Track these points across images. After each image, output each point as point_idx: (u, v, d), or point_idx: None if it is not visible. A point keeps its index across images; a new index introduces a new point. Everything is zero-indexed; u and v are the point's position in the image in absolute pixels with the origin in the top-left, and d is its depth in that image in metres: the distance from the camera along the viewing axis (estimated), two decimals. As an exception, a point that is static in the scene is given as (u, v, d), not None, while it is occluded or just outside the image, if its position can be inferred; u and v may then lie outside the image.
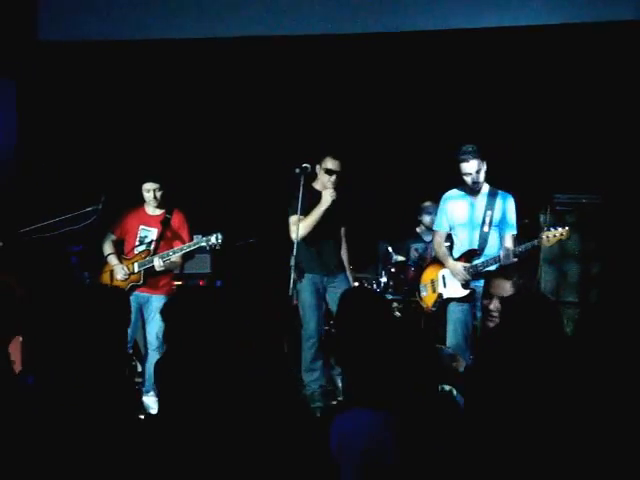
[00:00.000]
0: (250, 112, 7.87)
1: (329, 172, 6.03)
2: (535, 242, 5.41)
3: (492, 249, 5.53)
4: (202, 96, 7.90)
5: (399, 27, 7.45)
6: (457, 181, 5.72)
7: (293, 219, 6.01)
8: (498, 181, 5.72)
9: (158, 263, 6.02)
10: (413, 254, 7.19)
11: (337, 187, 6.02)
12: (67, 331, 2.17)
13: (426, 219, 7.38)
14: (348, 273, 6.23)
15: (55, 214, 6.19)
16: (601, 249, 6.64)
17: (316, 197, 6.04)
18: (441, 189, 7.08)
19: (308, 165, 6.00)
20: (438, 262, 5.84)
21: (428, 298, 5.87)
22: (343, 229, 6.25)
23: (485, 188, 5.63)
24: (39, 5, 7.96)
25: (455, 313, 5.58)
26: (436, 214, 6.63)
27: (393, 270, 6.90)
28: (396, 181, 7.58)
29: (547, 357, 2.14)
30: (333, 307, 5.88)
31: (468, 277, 5.53)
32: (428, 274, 5.92)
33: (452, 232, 5.79)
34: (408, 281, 6.78)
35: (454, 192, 5.74)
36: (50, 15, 7.92)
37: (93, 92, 7.88)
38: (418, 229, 7.47)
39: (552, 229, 5.38)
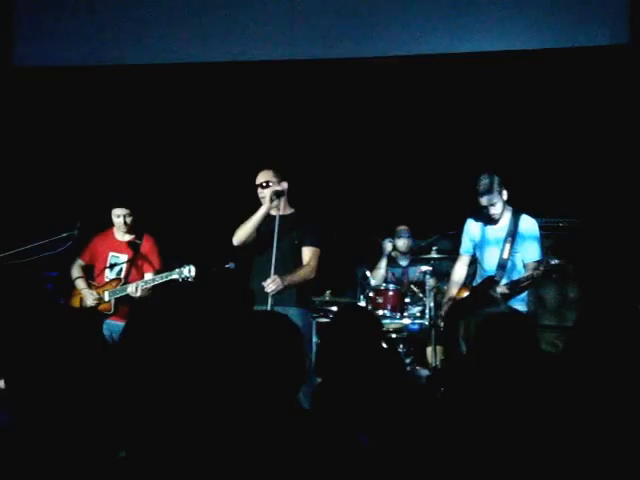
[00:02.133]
0: (226, 133, 7.87)
1: (257, 187, 5.69)
2: (531, 275, 5.38)
3: (511, 277, 5.47)
4: (174, 120, 7.88)
5: (384, 51, 7.50)
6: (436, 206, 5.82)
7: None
8: (474, 205, 5.66)
9: (132, 290, 5.86)
10: (390, 278, 7.20)
11: (276, 197, 5.61)
12: (43, 360, 2.11)
13: (399, 243, 7.40)
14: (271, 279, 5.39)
15: (30, 240, 6.12)
16: (578, 272, 6.66)
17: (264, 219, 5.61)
18: (416, 213, 7.13)
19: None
20: (465, 286, 5.76)
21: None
22: (307, 249, 5.60)
23: (508, 213, 5.57)
24: (15, 31, 7.94)
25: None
26: (411, 239, 6.71)
27: (371, 294, 6.89)
28: (370, 205, 7.58)
29: (522, 376, 2.12)
30: None
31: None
32: (450, 299, 5.83)
33: (476, 255, 5.74)
34: (389, 305, 6.77)
35: (477, 216, 5.68)
36: (25, 41, 7.90)
37: (67, 117, 7.86)
38: (393, 254, 7.46)
39: (549, 262, 5.35)
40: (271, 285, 5.34)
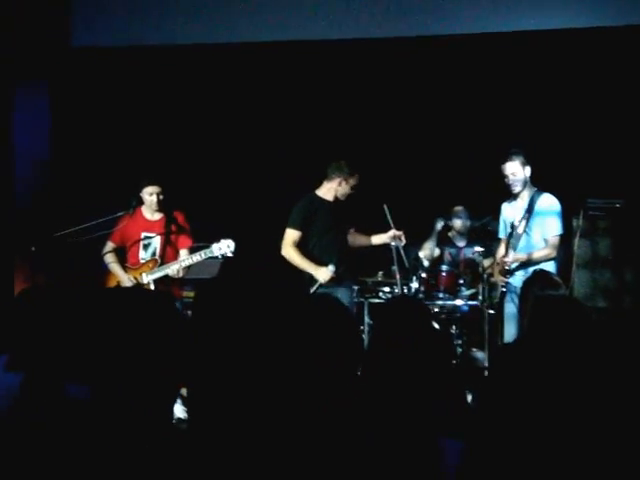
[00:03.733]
0: (259, 117, 7.91)
1: (355, 188, 6.12)
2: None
3: (524, 251, 5.77)
4: (228, 100, 7.91)
5: (419, 31, 7.45)
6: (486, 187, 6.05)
7: (291, 235, 6.01)
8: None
9: (174, 272, 5.86)
10: (447, 258, 7.16)
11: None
12: (116, 338, 2.12)
13: (457, 223, 7.35)
14: (379, 238, 6.23)
15: (88, 218, 6.19)
16: (635, 255, 6.55)
17: (319, 205, 6.11)
18: (471, 194, 7.09)
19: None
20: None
21: (490, 298, 6.27)
22: (352, 229, 6.29)
23: (530, 192, 5.83)
24: (72, 12, 8.03)
25: (507, 314, 5.79)
26: (467, 218, 6.77)
27: (424, 276, 6.86)
28: (427, 186, 7.55)
29: (573, 364, 2.10)
30: None
31: (502, 278, 5.81)
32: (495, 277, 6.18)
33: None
34: (441, 286, 6.75)
35: (507, 200, 6.03)
36: (83, 21, 7.99)
37: (123, 96, 7.94)
38: (450, 234, 7.43)
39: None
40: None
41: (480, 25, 7.32)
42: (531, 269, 5.50)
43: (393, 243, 6.16)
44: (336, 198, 6.14)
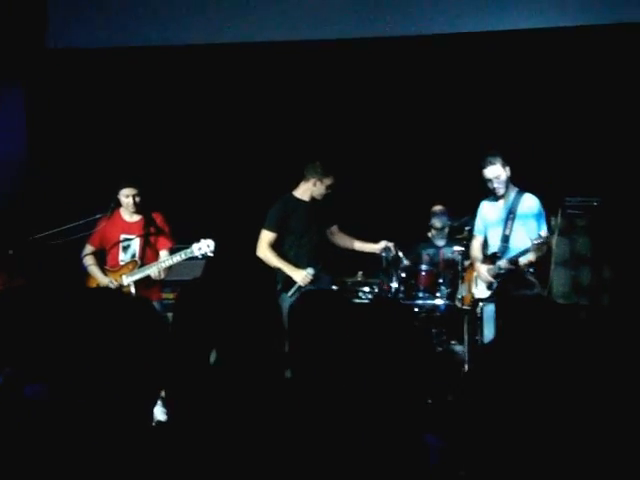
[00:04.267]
0: (237, 116, 7.90)
1: (331, 188, 6.12)
2: (527, 249, 5.68)
3: (513, 251, 5.77)
4: (204, 100, 7.90)
5: (415, 30, 7.51)
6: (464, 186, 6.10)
7: (266, 236, 6.06)
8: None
9: (155, 274, 5.83)
10: (425, 259, 7.16)
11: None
12: (85, 339, 2.12)
13: (437, 223, 7.36)
14: (366, 246, 6.30)
15: (65, 221, 6.15)
16: (612, 252, 6.60)
17: (296, 206, 6.12)
18: (452, 193, 7.11)
19: None
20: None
21: (465, 298, 6.23)
22: (335, 227, 6.32)
23: (512, 192, 5.87)
24: (48, 13, 7.99)
25: (487, 312, 5.82)
26: (447, 218, 6.79)
27: (403, 275, 6.86)
28: (406, 185, 7.57)
29: (551, 363, 2.11)
30: None
31: (489, 279, 5.87)
32: (468, 276, 6.26)
33: (486, 234, 6.08)
34: (421, 286, 6.76)
35: (488, 198, 6.03)
36: (58, 23, 7.95)
37: (100, 97, 7.91)
38: (429, 233, 7.44)
39: (541, 236, 5.63)
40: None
41: (462, 24, 7.37)
42: None
43: (383, 254, 6.24)
44: (313, 198, 6.16)
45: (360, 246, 6.38)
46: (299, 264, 5.98)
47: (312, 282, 5.92)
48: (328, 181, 6.10)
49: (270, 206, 6.15)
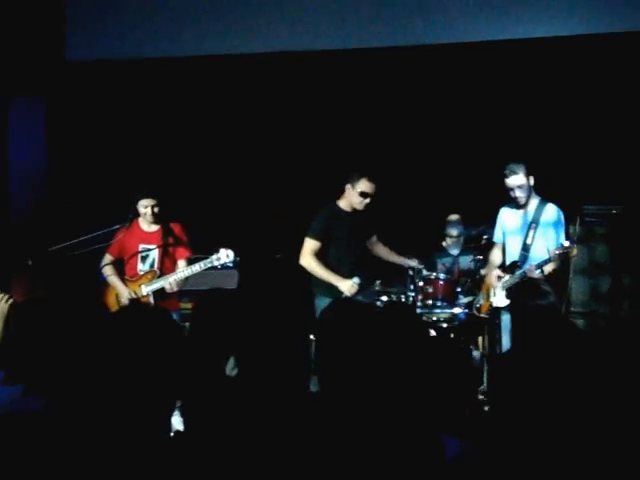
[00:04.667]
0: (255, 127, 7.95)
1: (363, 195, 5.95)
2: (548, 259, 5.62)
3: (533, 262, 5.69)
4: (227, 111, 7.95)
5: (407, 41, 7.58)
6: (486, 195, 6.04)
7: (310, 245, 5.95)
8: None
9: (169, 286, 5.85)
10: (440, 268, 7.14)
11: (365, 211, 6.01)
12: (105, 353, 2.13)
13: (452, 232, 7.35)
14: (399, 259, 6.32)
15: (84, 232, 6.17)
16: (632, 260, 6.57)
17: (338, 215, 6.02)
18: (467, 203, 7.10)
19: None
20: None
21: (483, 306, 6.17)
22: (374, 237, 6.28)
23: (535, 201, 5.82)
24: (67, 26, 8.07)
25: (505, 321, 5.75)
26: (462, 227, 6.77)
27: (421, 284, 6.84)
28: (422, 195, 7.56)
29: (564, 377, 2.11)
30: None
31: (496, 284, 5.89)
32: (486, 284, 6.19)
33: (505, 242, 6.01)
34: (439, 295, 6.73)
35: (507, 205, 5.98)
36: (77, 35, 8.02)
37: (119, 109, 7.97)
38: (444, 243, 7.43)
39: (565, 245, 5.55)
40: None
41: (472, 34, 7.39)
42: None
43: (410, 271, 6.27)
44: (354, 208, 6.06)
45: (396, 259, 6.36)
46: (342, 274, 5.89)
47: (358, 292, 5.85)
48: (360, 187, 5.93)
49: (288, 215, 6.14)
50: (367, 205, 5.99)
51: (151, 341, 2.10)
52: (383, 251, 6.34)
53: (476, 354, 6.42)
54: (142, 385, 2.06)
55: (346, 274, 5.89)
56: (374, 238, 6.31)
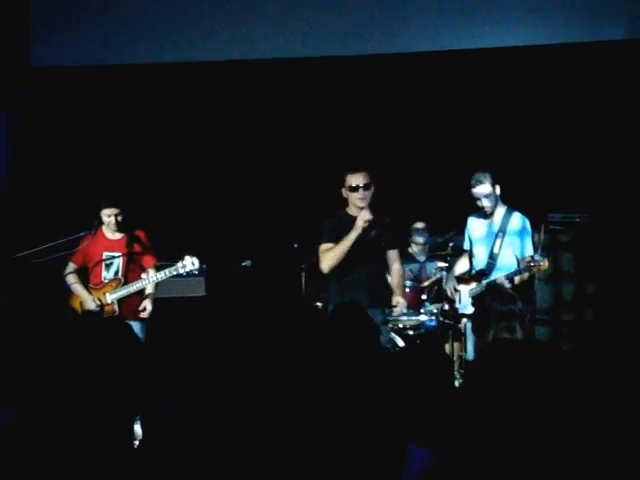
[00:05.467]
0: (219, 134, 7.95)
1: (353, 189, 5.49)
2: (519, 270, 5.56)
3: (500, 271, 5.66)
4: (192, 118, 7.92)
5: (404, 48, 7.58)
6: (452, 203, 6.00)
7: (322, 247, 5.53)
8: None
9: (144, 307, 5.82)
10: (407, 275, 7.16)
11: (371, 204, 5.50)
12: (64, 363, 2.13)
13: (419, 240, 7.40)
14: (398, 300, 5.60)
15: (49, 239, 6.11)
16: (596, 268, 6.64)
17: (347, 221, 5.52)
18: (433, 211, 7.15)
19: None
20: (460, 278, 6.05)
21: (448, 311, 6.18)
22: (393, 252, 5.70)
23: (501, 210, 5.79)
24: (32, 32, 8.00)
25: (469, 328, 5.72)
26: (428, 235, 6.80)
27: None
28: (386, 202, 7.58)
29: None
30: None
31: (454, 296, 5.94)
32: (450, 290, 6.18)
33: (472, 250, 5.96)
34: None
35: (475, 214, 5.93)
36: (42, 41, 7.96)
37: (83, 116, 7.91)
38: (410, 250, 7.47)
39: (535, 258, 5.52)
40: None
41: (442, 42, 7.44)
42: None
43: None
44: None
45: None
46: (354, 277, 5.45)
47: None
48: (347, 183, 5.49)
49: (250, 223, 6.03)
50: (367, 196, 5.48)
51: (109, 350, 2.11)
52: (393, 280, 5.72)
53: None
54: (100, 392, 2.06)
55: (343, 288, 5.48)
56: (392, 255, 5.71)
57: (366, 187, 5.51)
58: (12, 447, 1.99)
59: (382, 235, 5.59)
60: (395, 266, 5.69)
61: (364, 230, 5.41)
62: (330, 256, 5.46)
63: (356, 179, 5.50)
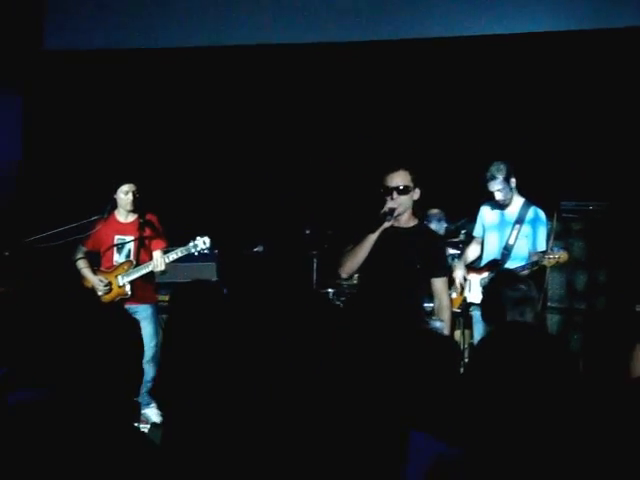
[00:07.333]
0: (231, 119, 7.95)
1: (386, 191, 4.58)
2: (535, 261, 5.61)
3: (514, 262, 5.70)
4: (206, 102, 7.92)
5: (412, 34, 7.56)
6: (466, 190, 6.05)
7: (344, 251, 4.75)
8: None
9: (157, 262, 5.80)
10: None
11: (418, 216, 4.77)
12: (73, 343, 2.15)
13: (434, 226, 7.37)
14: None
15: (61, 223, 6.14)
16: (608, 256, 6.61)
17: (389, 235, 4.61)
18: (449, 197, 7.12)
19: None
20: (471, 267, 6.05)
21: (455, 300, 6.03)
22: (439, 281, 4.63)
23: (519, 201, 5.82)
24: (45, 15, 8.01)
25: (477, 317, 5.74)
26: (444, 221, 6.78)
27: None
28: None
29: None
30: None
31: (462, 282, 5.92)
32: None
33: (484, 239, 5.97)
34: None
35: (489, 202, 5.94)
36: (55, 24, 7.97)
37: (97, 99, 7.92)
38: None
39: (554, 250, 5.60)
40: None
41: (452, 28, 7.40)
42: None
43: None
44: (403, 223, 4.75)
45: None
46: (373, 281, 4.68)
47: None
48: (384, 182, 4.65)
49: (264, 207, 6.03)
50: (403, 202, 4.59)
51: (109, 332, 2.14)
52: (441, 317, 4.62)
53: (438, 323, 6.33)
54: (102, 373, 2.09)
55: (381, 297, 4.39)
56: (439, 286, 4.68)
57: (403, 190, 4.56)
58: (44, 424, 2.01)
59: (419, 257, 4.56)
60: (444, 301, 4.65)
61: (396, 244, 4.52)
62: (347, 256, 4.64)
63: (391, 179, 4.58)
